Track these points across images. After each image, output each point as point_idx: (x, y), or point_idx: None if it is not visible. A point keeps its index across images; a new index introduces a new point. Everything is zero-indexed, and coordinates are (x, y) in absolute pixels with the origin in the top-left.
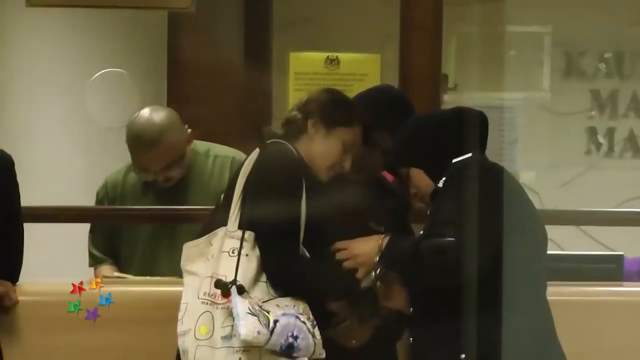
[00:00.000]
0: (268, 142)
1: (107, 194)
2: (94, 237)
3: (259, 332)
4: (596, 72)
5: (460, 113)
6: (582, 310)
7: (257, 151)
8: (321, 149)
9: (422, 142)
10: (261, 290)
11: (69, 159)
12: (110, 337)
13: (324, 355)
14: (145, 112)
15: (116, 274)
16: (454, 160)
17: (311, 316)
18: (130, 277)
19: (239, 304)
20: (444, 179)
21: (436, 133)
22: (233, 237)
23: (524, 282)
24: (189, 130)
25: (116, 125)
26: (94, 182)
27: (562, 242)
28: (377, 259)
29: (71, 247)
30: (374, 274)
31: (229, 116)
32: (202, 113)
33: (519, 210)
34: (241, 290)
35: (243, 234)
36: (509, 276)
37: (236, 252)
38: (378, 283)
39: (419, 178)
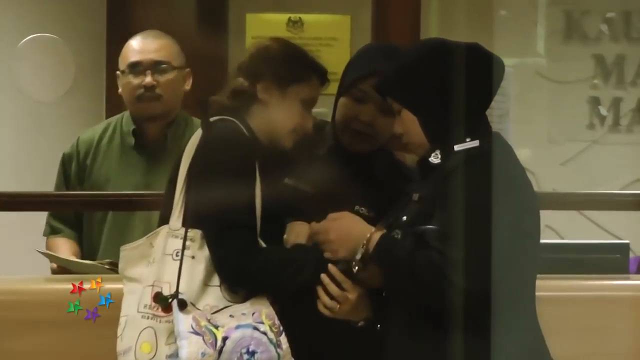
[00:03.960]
0: (211, 119)
1: (78, 152)
2: None
3: (203, 354)
4: (600, 34)
5: (480, 54)
6: (584, 306)
7: (199, 132)
8: (278, 114)
9: (422, 80)
10: (214, 296)
11: None
12: (76, 337)
13: None
14: None
15: (61, 255)
16: (456, 148)
17: (277, 321)
18: (75, 259)
19: (181, 322)
20: (438, 156)
21: (442, 74)
22: (177, 237)
23: (517, 294)
24: (187, 69)
25: (49, 98)
26: (25, 165)
27: (562, 229)
28: (361, 252)
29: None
30: (354, 261)
31: None
32: None
33: (517, 208)
34: (183, 305)
35: (186, 232)
36: (502, 290)
37: (180, 255)
38: (356, 268)
39: (411, 121)
